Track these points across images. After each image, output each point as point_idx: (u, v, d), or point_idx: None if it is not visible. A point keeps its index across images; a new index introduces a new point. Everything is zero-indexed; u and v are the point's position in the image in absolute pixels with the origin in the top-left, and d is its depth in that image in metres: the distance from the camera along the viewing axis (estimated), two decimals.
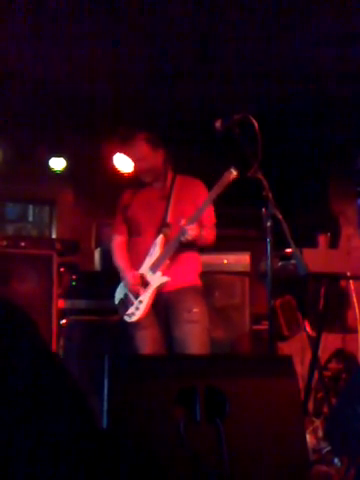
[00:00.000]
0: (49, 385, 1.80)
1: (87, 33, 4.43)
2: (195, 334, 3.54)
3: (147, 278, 3.60)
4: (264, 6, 4.03)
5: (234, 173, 3.44)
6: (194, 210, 3.63)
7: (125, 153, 5.31)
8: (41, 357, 1.88)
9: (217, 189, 3.50)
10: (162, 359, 2.70)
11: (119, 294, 3.74)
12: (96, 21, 4.28)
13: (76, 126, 5.63)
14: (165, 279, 3.58)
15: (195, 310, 3.57)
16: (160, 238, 3.63)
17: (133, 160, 3.88)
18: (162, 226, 3.65)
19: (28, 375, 1.78)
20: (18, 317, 1.94)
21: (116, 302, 3.75)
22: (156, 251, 3.62)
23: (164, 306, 3.61)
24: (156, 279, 3.58)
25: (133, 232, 3.78)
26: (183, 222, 3.49)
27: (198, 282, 3.72)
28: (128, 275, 3.66)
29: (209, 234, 3.67)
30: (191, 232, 3.48)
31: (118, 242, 3.82)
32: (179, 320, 3.56)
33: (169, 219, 3.66)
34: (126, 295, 3.67)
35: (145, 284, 3.60)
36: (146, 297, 3.58)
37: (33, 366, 1.81)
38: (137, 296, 3.60)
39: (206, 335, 3.60)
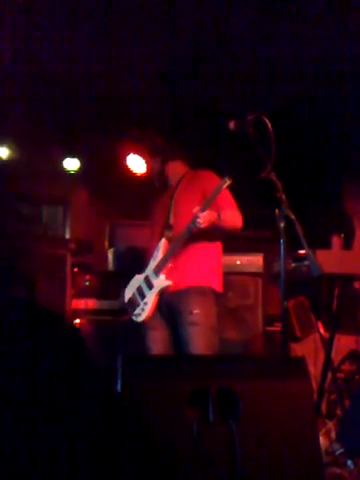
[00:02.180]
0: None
1: (99, 33, 4.44)
2: (197, 336, 3.51)
3: (151, 281, 3.62)
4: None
5: (228, 182, 3.35)
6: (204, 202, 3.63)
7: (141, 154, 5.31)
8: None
9: (210, 197, 3.41)
10: (175, 359, 2.70)
11: (128, 293, 3.76)
12: (107, 21, 4.30)
13: (90, 127, 5.65)
14: (167, 283, 3.57)
15: (196, 311, 3.52)
16: (162, 241, 3.65)
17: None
18: (164, 228, 3.68)
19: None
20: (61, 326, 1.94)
21: (126, 301, 3.77)
22: (159, 254, 3.63)
23: (167, 308, 3.63)
24: (159, 282, 3.59)
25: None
26: (196, 209, 3.38)
27: (201, 282, 3.61)
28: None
29: (233, 216, 3.56)
30: (203, 219, 3.36)
31: None
32: (181, 322, 3.56)
33: (171, 221, 3.69)
34: (134, 295, 3.70)
35: (150, 286, 3.62)
36: (150, 299, 3.60)
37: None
38: (143, 297, 3.62)
39: (209, 336, 3.54)
